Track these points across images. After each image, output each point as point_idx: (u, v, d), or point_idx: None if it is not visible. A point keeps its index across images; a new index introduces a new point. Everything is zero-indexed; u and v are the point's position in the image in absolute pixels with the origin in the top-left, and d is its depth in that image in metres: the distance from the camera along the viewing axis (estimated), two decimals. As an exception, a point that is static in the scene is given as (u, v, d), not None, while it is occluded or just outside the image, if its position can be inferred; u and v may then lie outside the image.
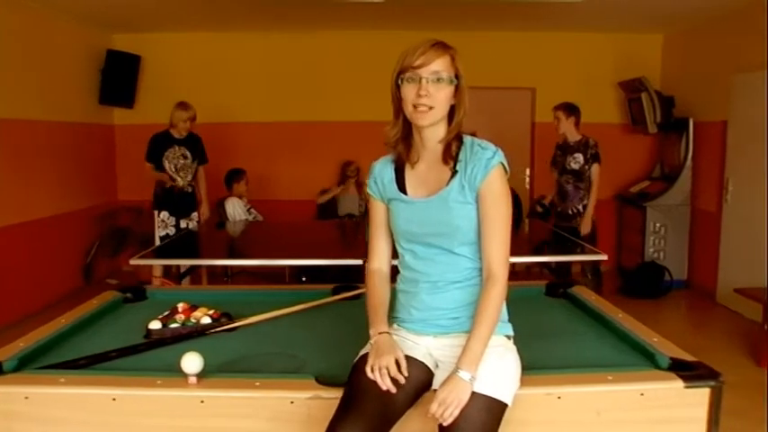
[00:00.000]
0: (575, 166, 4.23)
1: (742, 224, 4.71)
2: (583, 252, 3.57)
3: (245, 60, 5.86)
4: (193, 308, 2.13)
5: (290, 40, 5.79)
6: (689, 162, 5.36)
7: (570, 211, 4.29)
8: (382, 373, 1.34)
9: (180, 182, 4.43)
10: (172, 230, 4.40)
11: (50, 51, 4.92)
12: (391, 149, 1.53)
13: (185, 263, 3.70)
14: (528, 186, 6.23)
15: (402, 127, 1.48)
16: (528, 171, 6.24)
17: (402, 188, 1.51)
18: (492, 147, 1.45)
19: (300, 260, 3.55)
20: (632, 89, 5.60)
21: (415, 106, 1.41)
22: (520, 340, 1.59)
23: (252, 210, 5.09)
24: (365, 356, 1.42)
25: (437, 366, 1.47)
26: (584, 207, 4.24)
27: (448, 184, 1.45)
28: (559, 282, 2.49)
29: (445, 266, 1.46)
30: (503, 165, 1.44)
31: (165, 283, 3.58)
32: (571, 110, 4.25)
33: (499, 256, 1.41)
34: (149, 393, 1.50)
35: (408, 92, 1.41)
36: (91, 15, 5.12)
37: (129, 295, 2.41)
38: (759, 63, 4.44)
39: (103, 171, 5.82)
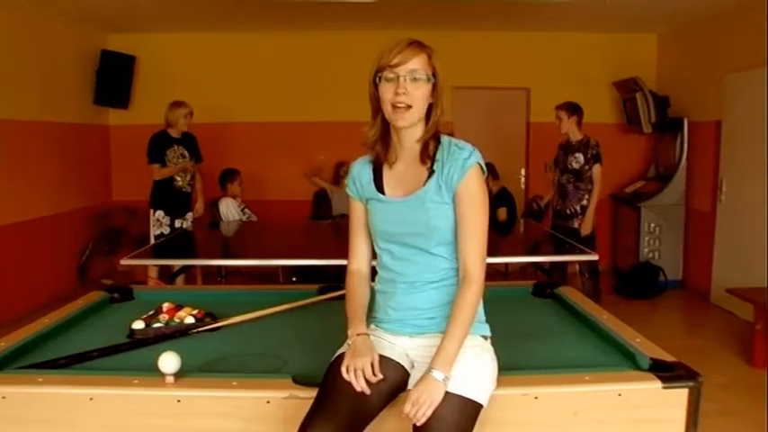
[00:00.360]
0: (575, 165, 4.21)
1: (736, 224, 4.71)
2: (575, 252, 3.56)
3: (239, 61, 5.86)
4: (178, 308, 2.13)
5: (284, 40, 5.79)
6: (683, 162, 5.36)
7: (568, 211, 4.28)
8: (357, 375, 1.34)
9: (179, 182, 4.44)
10: (167, 230, 4.40)
11: (45, 52, 4.93)
12: (370, 150, 1.53)
13: (176, 263, 3.70)
14: (523, 186, 6.23)
15: (380, 127, 1.48)
16: (523, 171, 6.23)
17: (380, 188, 1.51)
18: (469, 147, 1.45)
19: (293, 260, 3.56)
20: (627, 89, 5.60)
21: (393, 105, 1.41)
22: (502, 340, 1.59)
23: (246, 210, 5.09)
24: (341, 356, 1.42)
25: (413, 366, 1.47)
26: (582, 207, 4.23)
27: (425, 184, 1.45)
28: (547, 282, 2.49)
29: (422, 266, 1.46)
30: (480, 165, 1.44)
31: (159, 284, 3.58)
32: (573, 109, 4.24)
33: (475, 256, 1.41)
34: (126, 393, 1.50)
35: (386, 91, 1.42)
36: (85, 16, 5.13)
37: (115, 295, 2.41)
38: (752, 62, 4.44)
39: (98, 171, 5.83)
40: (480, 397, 1.36)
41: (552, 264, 3.88)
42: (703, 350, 4.02)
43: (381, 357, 1.41)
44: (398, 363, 1.45)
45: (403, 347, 1.48)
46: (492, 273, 4.75)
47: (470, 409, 1.34)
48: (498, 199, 5.25)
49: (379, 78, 1.43)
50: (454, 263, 1.46)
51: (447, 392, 1.32)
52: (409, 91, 1.40)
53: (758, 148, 4.39)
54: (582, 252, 3.47)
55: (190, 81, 5.69)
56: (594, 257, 3.40)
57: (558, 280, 3.11)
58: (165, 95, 4.68)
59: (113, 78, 5.58)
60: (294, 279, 4.51)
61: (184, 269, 3.85)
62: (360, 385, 1.33)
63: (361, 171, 1.55)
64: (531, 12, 5.03)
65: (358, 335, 1.43)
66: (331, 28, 5.50)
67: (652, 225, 5.42)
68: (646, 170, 5.93)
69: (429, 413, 1.29)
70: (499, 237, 4.72)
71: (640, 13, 5.06)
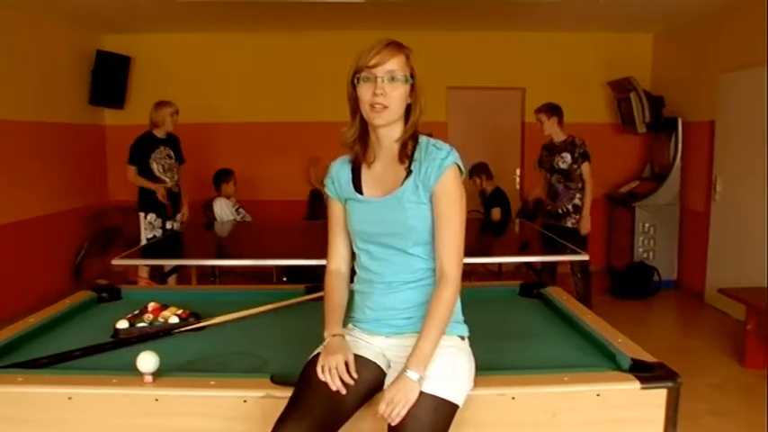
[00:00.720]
0: (563, 165, 4.22)
1: (730, 224, 4.70)
2: (567, 252, 3.56)
3: (235, 61, 5.87)
4: (163, 307, 2.13)
5: (280, 40, 5.80)
6: (677, 162, 5.35)
7: (560, 210, 4.29)
8: (332, 374, 1.34)
9: (168, 182, 4.43)
10: (159, 232, 4.40)
11: (40, 53, 4.94)
12: (348, 150, 1.53)
13: (167, 263, 3.71)
14: (518, 186, 6.23)
15: (359, 127, 1.49)
16: (518, 171, 6.23)
17: (358, 188, 1.51)
18: (446, 147, 1.46)
19: (283, 260, 3.55)
20: (621, 89, 5.59)
21: (371, 105, 1.41)
22: (484, 340, 1.59)
23: (240, 210, 5.10)
24: (317, 357, 1.42)
25: (390, 366, 1.47)
26: (575, 206, 4.24)
27: (402, 184, 1.45)
28: (533, 282, 2.48)
29: (399, 267, 1.46)
30: (457, 165, 1.45)
31: (149, 284, 3.59)
32: (553, 110, 4.25)
33: (451, 256, 1.41)
34: (105, 392, 1.50)
35: (364, 91, 1.42)
36: (81, 16, 5.14)
37: (103, 295, 2.41)
38: (745, 62, 4.43)
39: (94, 171, 5.84)
40: (456, 397, 1.36)
41: (543, 264, 3.88)
42: (696, 350, 4.02)
43: (357, 357, 1.42)
44: (375, 363, 1.45)
45: (380, 347, 1.49)
46: (484, 273, 4.80)
47: (445, 410, 1.34)
48: (492, 199, 5.24)
49: (358, 79, 1.43)
50: (431, 263, 1.47)
51: (422, 392, 1.32)
52: (387, 92, 1.40)
53: (752, 148, 4.38)
54: (573, 252, 3.47)
55: (185, 81, 5.70)
56: (585, 257, 3.40)
57: (548, 280, 3.11)
58: (160, 96, 4.68)
59: (109, 79, 5.58)
60: (285, 279, 4.50)
61: (176, 269, 3.85)
62: (335, 385, 1.33)
63: (339, 171, 1.56)
64: (527, 12, 5.03)
65: (333, 335, 1.44)
66: (326, 28, 5.50)
67: (646, 225, 5.42)
68: (641, 170, 5.93)
69: (403, 413, 1.29)
70: (493, 237, 4.73)
71: (635, 13, 5.06)
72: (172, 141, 4.46)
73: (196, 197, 5.16)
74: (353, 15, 4.96)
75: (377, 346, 1.49)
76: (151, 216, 4.39)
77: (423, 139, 1.48)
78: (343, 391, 1.34)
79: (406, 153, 1.45)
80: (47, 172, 5.02)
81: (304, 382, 1.38)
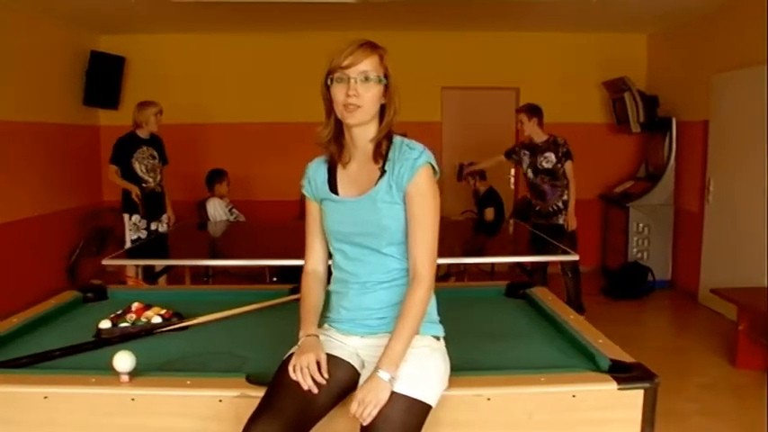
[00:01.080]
0: (547, 165, 4.24)
1: (724, 224, 4.69)
2: (558, 252, 3.56)
3: (229, 61, 5.87)
4: (147, 307, 2.14)
5: (273, 41, 5.80)
6: (672, 162, 5.35)
7: (551, 209, 4.31)
8: (303, 373, 1.34)
9: (151, 183, 4.44)
10: (144, 233, 4.41)
11: (34, 53, 4.94)
12: (324, 150, 1.53)
13: (156, 263, 3.71)
14: (513, 187, 6.23)
15: (333, 127, 1.49)
16: (513, 171, 6.22)
17: (334, 188, 1.51)
18: (420, 147, 1.46)
19: (274, 260, 3.55)
20: (616, 89, 5.59)
21: (344, 106, 1.42)
22: (465, 341, 1.59)
23: (233, 210, 5.10)
24: (291, 357, 1.42)
25: (364, 366, 1.47)
26: (564, 203, 4.26)
27: (376, 183, 1.45)
28: (520, 282, 2.48)
29: (373, 267, 1.46)
30: (431, 165, 1.44)
31: (138, 284, 3.59)
32: (533, 111, 4.28)
33: (424, 256, 1.41)
34: (81, 391, 1.51)
35: (338, 92, 1.42)
36: (75, 17, 5.14)
37: (89, 295, 2.42)
38: (739, 62, 4.43)
39: (88, 172, 5.84)
40: (428, 397, 1.36)
41: (534, 264, 3.88)
42: (688, 350, 4.01)
43: (331, 357, 1.42)
44: (349, 362, 1.46)
45: (354, 347, 1.49)
46: (477, 273, 4.79)
47: (418, 410, 1.34)
48: (486, 199, 5.25)
49: (331, 80, 1.43)
50: (405, 263, 1.47)
51: (394, 393, 1.32)
52: (360, 92, 1.40)
53: (745, 148, 4.38)
54: (564, 252, 3.47)
55: (179, 82, 5.71)
56: (575, 257, 3.40)
57: (539, 279, 3.11)
58: (155, 96, 4.69)
59: (103, 79, 5.59)
60: (275, 279, 4.51)
61: (166, 270, 3.86)
62: (306, 383, 1.33)
63: (316, 171, 1.56)
64: (521, 12, 5.02)
65: (307, 336, 1.44)
66: (319, 29, 5.49)
67: (641, 225, 5.41)
68: (635, 170, 5.92)
69: (375, 413, 1.29)
70: (486, 237, 4.73)
71: (629, 13, 5.06)
72: (155, 142, 4.47)
73: (189, 197, 5.17)
74: (346, 16, 4.96)
75: (351, 346, 1.49)
76: (135, 217, 4.39)
77: (397, 139, 1.48)
78: (315, 391, 1.34)
79: (381, 153, 1.45)
80: (41, 172, 5.03)
81: (277, 382, 1.38)
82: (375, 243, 1.45)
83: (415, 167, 1.42)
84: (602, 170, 5.85)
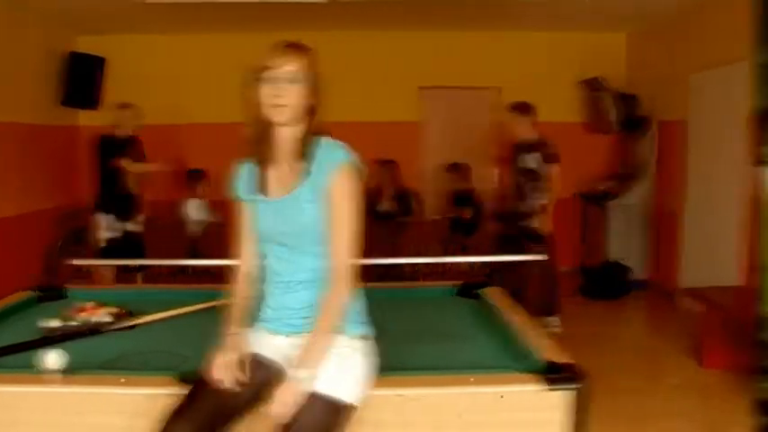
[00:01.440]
0: (532, 165, 4.21)
1: (702, 224, 4.70)
2: (524, 252, 3.58)
3: (208, 62, 5.86)
4: (100, 306, 2.15)
5: (251, 40, 5.68)
6: (651, 161, 5.35)
7: (527, 210, 4.29)
8: (224, 372, 1.35)
9: (129, 184, 4.44)
10: (118, 233, 4.41)
11: (11, 53, 4.93)
12: (251, 150, 1.54)
13: (125, 263, 3.74)
14: (496, 187, 6.22)
15: (260, 127, 1.49)
16: (496, 171, 6.22)
17: (261, 188, 1.52)
18: (342, 147, 1.47)
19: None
20: (592, 88, 5.60)
21: (272, 106, 1.43)
22: (408, 341, 1.59)
23: (212, 210, 5.10)
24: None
25: (289, 366, 1.48)
26: (543, 206, 4.23)
27: (301, 183, 1.46)
28: (473, 282, 2.49)
29: (296, 266, 1.48)
30: (352, 165, 1.45)
31: (103, 284, 3.61)
32: (526, 109, 4.25)
33: (342, 255, 1.42)
34: (13, 390, 1.53)
35: (264, 92, 1.43)
36: (53, 17, 5.14)
37: (42, 294, 2.43)
38: (716, 60, 4.42)
39: (67, 172, 5.83)
40: (348, 397, 1.37)
41: (504, 265, 3.88)
42: (659, 351, 4.02)
43: (256, 356, 1.43)
44: (273, 361, 1.47)
45: (279, 346, 1.50)
46: (454, 272, 4.78)
47: (336, 409, 1.35)
48: (464, 199, 5.26)
49: (258, 80, 1.44)
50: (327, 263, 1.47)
51: (313, 392, 1.34)
52: (286, 93, 1.41)
53: (722, 147, 4.38)
54: (534, 252, 3.49)
55: (160, 82, 5.70)
56: (543, 257, 3.41)
57: (497, 280, 3.11)
58: (135, 96, 4.69)
59: (82, 80, 5.58)
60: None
61: (141, 269, 3.88)
62: (225, 382, 1.35)
63: (243, 172, 1.57)
64: (501, 11, 5.02)
65: (230, 334, 1.45)
66: (296, 28, 5.40)
67: (619, 224, 5.41)
68: (614, 169, 5.91)
69: (291, 412, 1.30)
70: (463, 236, 4.76)
71: (608, 11, 5.06)
72: (132, 143, 4.48)
73: (168, 197, 5.17)
74: (321, 16, 4.96)
75: (276, 345, 1.50)
76: (110, 217, 4.40)
77: (322, 139, 1.49)
78: (236, 389, 1.35)
79: (306, 153, 1.46)
80: (18, 172, 5.01)
81: (197, 381, 1.39)
82: (298, 243, 1.46)
83: (335, 167, 1.43)
84: (580, 169, 5.82)
